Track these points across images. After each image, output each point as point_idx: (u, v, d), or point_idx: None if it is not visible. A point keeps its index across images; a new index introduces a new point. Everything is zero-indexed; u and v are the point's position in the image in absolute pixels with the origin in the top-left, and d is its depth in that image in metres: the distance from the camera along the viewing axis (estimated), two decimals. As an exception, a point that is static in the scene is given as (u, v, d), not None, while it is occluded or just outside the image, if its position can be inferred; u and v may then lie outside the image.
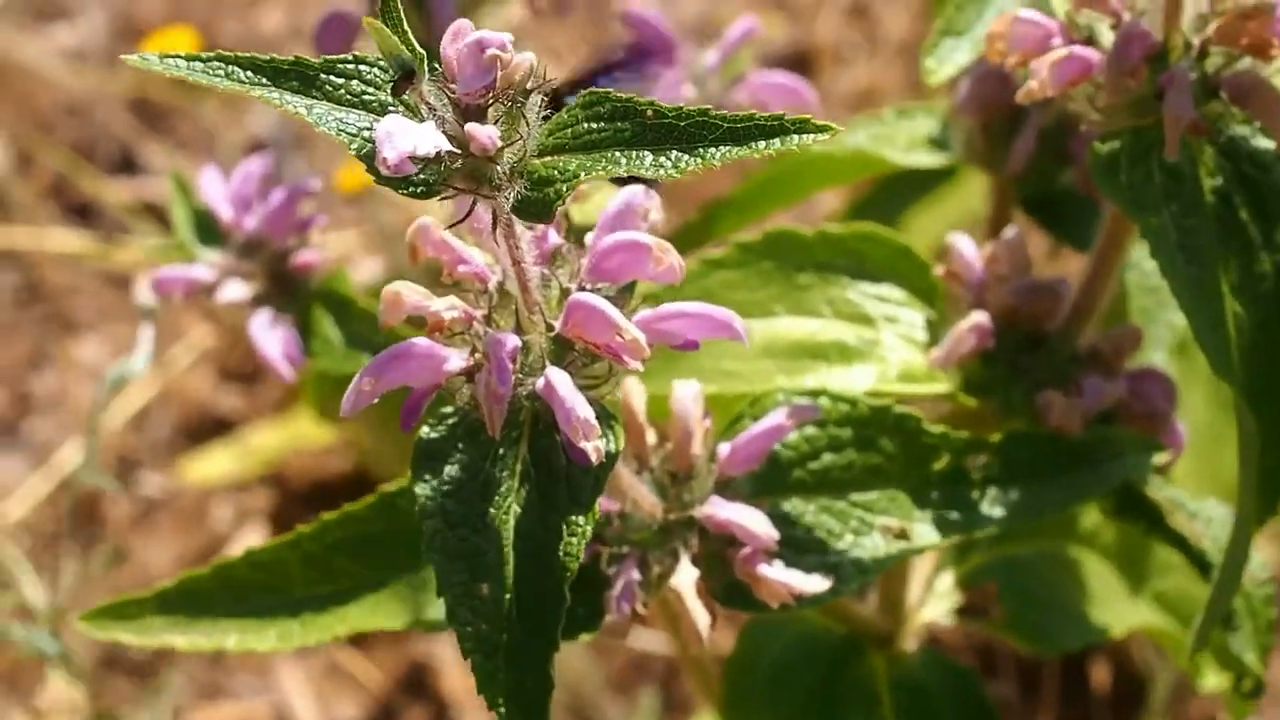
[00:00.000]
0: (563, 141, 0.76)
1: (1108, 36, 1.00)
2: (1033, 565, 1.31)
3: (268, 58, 0.74)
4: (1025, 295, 1.11)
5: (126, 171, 2.49)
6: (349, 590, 1.02)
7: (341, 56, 0.75)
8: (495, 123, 0.74)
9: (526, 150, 0.75)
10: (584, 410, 0.77)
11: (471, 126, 0.72)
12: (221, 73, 0.74)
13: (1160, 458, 1.05)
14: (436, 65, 0.74)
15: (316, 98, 0.75)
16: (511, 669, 0.81)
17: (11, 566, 1.55)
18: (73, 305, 2.33)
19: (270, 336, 1.15)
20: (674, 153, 0.74)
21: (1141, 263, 1.26)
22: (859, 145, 1.27)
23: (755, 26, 1.32)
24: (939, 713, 1.20)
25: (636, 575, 0.93)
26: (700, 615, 0.93)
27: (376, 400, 0.81)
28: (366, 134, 0.74)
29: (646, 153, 0.74)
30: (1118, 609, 1.30)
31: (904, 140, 1.29)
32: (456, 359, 0.81)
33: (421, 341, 0.81)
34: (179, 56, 0.74)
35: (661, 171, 0.73)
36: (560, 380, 0.78)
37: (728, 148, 0.73)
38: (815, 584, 0.95)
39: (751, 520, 0.94)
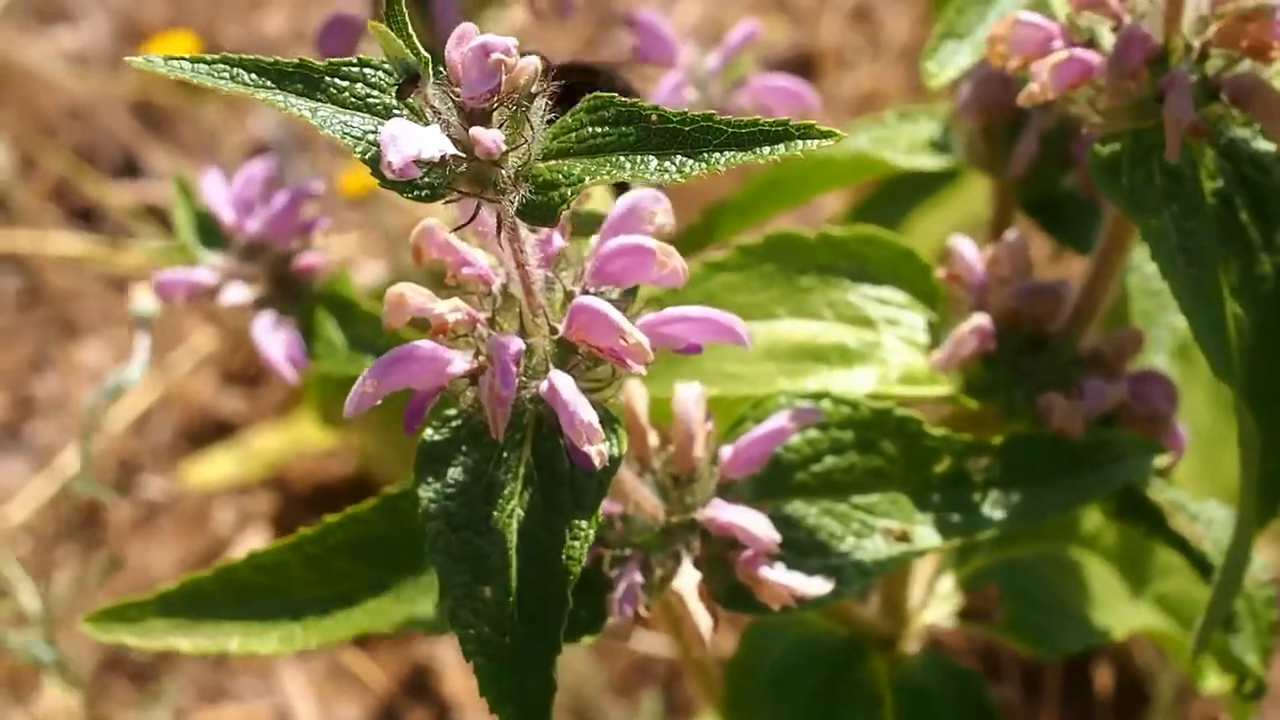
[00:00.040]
0: (567, 145, 0.76)
1: (1108, 39, 1.00)
2: (1034, 567, 1.31)
3: (272, 60, 0.75)
4: (1027, 297, 1.11)
5: (129, 175, 2.49)
6: (351, 592, 1.02)
7: (346, 60, 0.75)
8: (500, 126, 0.74)
9: (531, 154, 0.76)
10: (588, 414, 0.78)
11: (476, 130, 0.73)
12: (226, 75, 0.74)
13: (1162, 460, 1.05)
14: (441, 69, 0.74)
15: (321, 101, 0.75)
16: (514, 671, 0.81)
17: (8, 573, 1.55)
18: (75, 308, 2.33)
19: (273, 339, 1.15)
20: (679, 157, 0.74)
21: (1143, 265, 1.26)
22: (860, 148, 1.28)
23: (757, 30, 1.33)
24: (941, 715, 1.20)
25: (639, 578, 0.93)
26: (702, 618, 0.93)
27: (379, 403, 0.81)
28: (371, 137, 0.74)
29: (651, 157, 0.74)
30: (1119, 611, 1.30)
31: (905, 143, 1.29)
32: (460, 361, 0.81)
33: (425, 344, 0.81)
34: (184, 59, 0.74)
35: (666, 176, 0.74)
36: (564, 383, 0.79)
37: (732, 153, 0.73)
38: (817, 586, 0.95)
39: (753, 523, 0.94)
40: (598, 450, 0.78)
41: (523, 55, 0.74)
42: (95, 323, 2.32)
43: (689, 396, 0.97)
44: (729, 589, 0.97)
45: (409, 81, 0.73)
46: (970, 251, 1.14)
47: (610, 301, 0.81)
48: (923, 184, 1.61)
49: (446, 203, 0.75)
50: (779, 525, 0.95)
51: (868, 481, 1.01)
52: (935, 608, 1.26)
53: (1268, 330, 0.96)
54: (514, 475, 0.82)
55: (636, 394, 0.98)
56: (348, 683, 1.97)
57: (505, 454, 0.83)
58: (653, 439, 0.98)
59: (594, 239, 0.86)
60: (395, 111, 0.75)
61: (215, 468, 2.14)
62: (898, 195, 1.64)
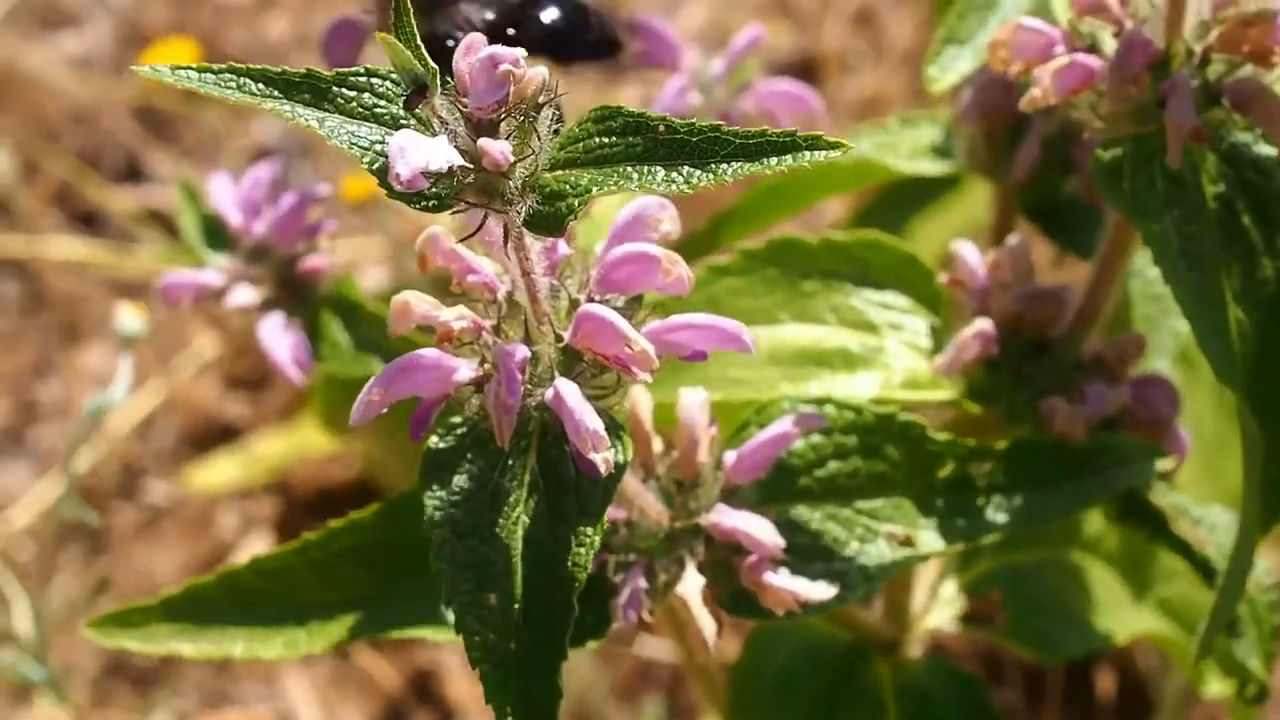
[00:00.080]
0: (574, 156, 0.76)
1: (1110, 44, 1.00)
2: (1037, 572, 1.31)
3: (279, 70, 0.75)
4: (1029, 302, 1.12)
5: (132, 179, 2.49)
6: (356, 598, 1.02)
7: (354, 69, 0.75)
8: (507, 137, 0.74)
9: (538, 165, 0.76)
10: (593, 421, 0.78)
11: (484, 141, 0.73)
12: (233, 85, 0.74)
13: (1164, 464, 1.05)
14: (449, 79, 0.75)
15: (329, 111, 0.75)
16: (519, 678, 0.82)
17: (4, 586, 1.55)
18: (78, 313, 2.34)
19: (279, 340, 1.16)
20: (686, 168, 0.74)
21: (1145, 270, 1.26)
22: (863, 154, 1.28)
23: (761, 35, 1.33)
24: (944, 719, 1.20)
25: (643, 583, 0.94)
26: (706, 623, 0.93)
27: (384, 410, 0.81)
28: (379, 148, 0.75)
29: (658, 168, 0.74)
30: (1122, 615, 1.30)
31: (907, 148, 1.29)
32: (465, 369, 0.82)
33: (430, 352, 0.81)
34: (190, 68, 0.74)
35: (673, 187, 0.74)
36: (569, 391, 0.79)
37: (740, 163, 0.74)
38: (821, 591, 0.95)
39: (757, 528, 0.94)
40: (603, 457, 0.78)
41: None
42: (98, 327, 2.32)
43: (693, 402, 0.97)
44: (733, 594, 0.97)
45: (417, 92, 0.73)
46: (973, 256, 1.14)
47: (615, 309, 0.81)
48: (925, 189, 1.61)
49: (454, 213, 0.76)
50: (783, 530, 0.95)
51: (871, 486, 1.01)
52: (938, 612, 1.27)
53: (1270, 334, 0.96)
54: (519, 482, 0.83)
55: (640, 400, 0.98)
56: (351, 687, 1.97)
57: (510, 461, 0.83)
58: (657, 445, 0.99)
59: (599, 246, 0.86)
60: (403, 122, 0.75)
61: (218, 472, 2.14)
62: (900, 200, 1.64)
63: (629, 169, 0.75)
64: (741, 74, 1.34)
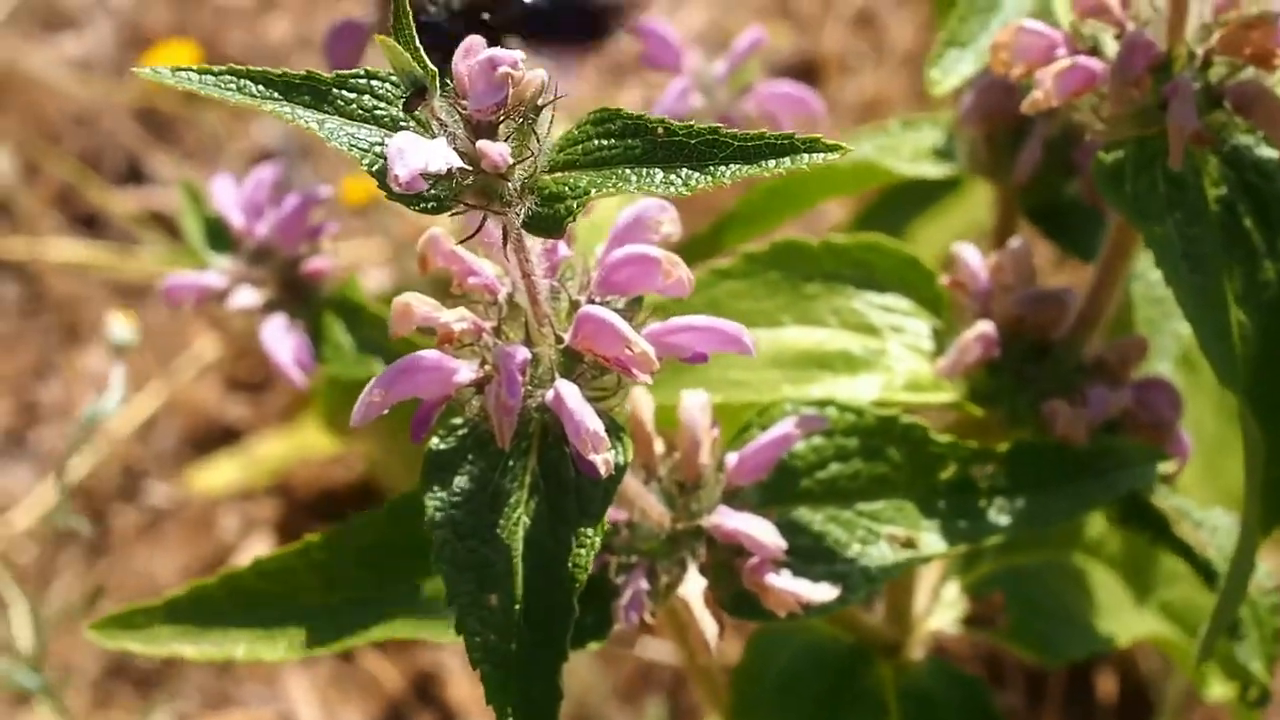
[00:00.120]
0: (573, 158, 0.76)
1: (1112, 47, 1.00)
2: (1039, 574, 1.31)
3: (280, 72, 0.75)
4: (1031, 305, 1.11)
5: (133, 181, 2.49)
6: (358, 599, 1.02)
7: (353, 71, 0.76)
8: (506, 139, 0.74)
9: (537, 166, 0.76)
10: (593, 423, 0.78)
11: (483, 143, 0.73)
12: (234, 87, 0.75)
13: (1166, 467, 1.06)
14: (448, 81, 0.75)
15: (328, 113, 0.75)
16: (520, 679, 0.82)
17: (3, 589, 1.55)
18: (79, 315, 2.34)
19: (282, 342, 1.16)
20: (684, 170, 0.74)
21: (1146, 273, 1.26)
22: (865, 156, 1.28)
23: (763, 37, 1.33)
24: (946, 721, 1.20)
25: (645, 585, 0.94)
26: (708, 624, 0.93)
27: (386, 411, 0.81)
28: (378, 149, 0.75)
29: (657, 170, 0.74)
30: (1124, 618, 1.30)
31: (909, 151, 1.29)
32: (466, 371, 0.82)
33: (431, 353, 0.81)
34: (191, 70, 0.74)
35: (672, 189, 0.74)
36: (569, 393, 0.79)
37: (738, 166, 0.74)
38: (823, 593, 0.95)
39: (759, 530, 0.94)
40: (603, 458, 0.79)
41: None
42: (98, 329, 2.32)
43: (695, 404, 0.97)
44: (735, 596, 0.97)
45: (416, 94, 0.73)
46: (974, 259, 1.14)
47: (616, 311, 0.81)
48: (925, 191, 1.61)
49: (453, 214, 0.76)
50: (785, 532, 0.95)
51: (873, 488, 1.01)
52: (940, 614, 1.27)
53: (1272, 336, 0.96)
54: (520, 484, 0.83)
55: (642, 402, 0.98)
56: (353, 689, 1.97)
57: (511, 463, 0.83)
58: (658, 446, 0.99)
59: (599, 248, 0.86)
60: (402, 124, 0.75)
61: (219, 474, 2.14)
62: (900, 202, 1.64)
63: (628, 171, 0.75)
64: (743, 76, 1.35)
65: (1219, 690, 1.26)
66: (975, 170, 1.28)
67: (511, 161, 0.73)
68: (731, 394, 1.09)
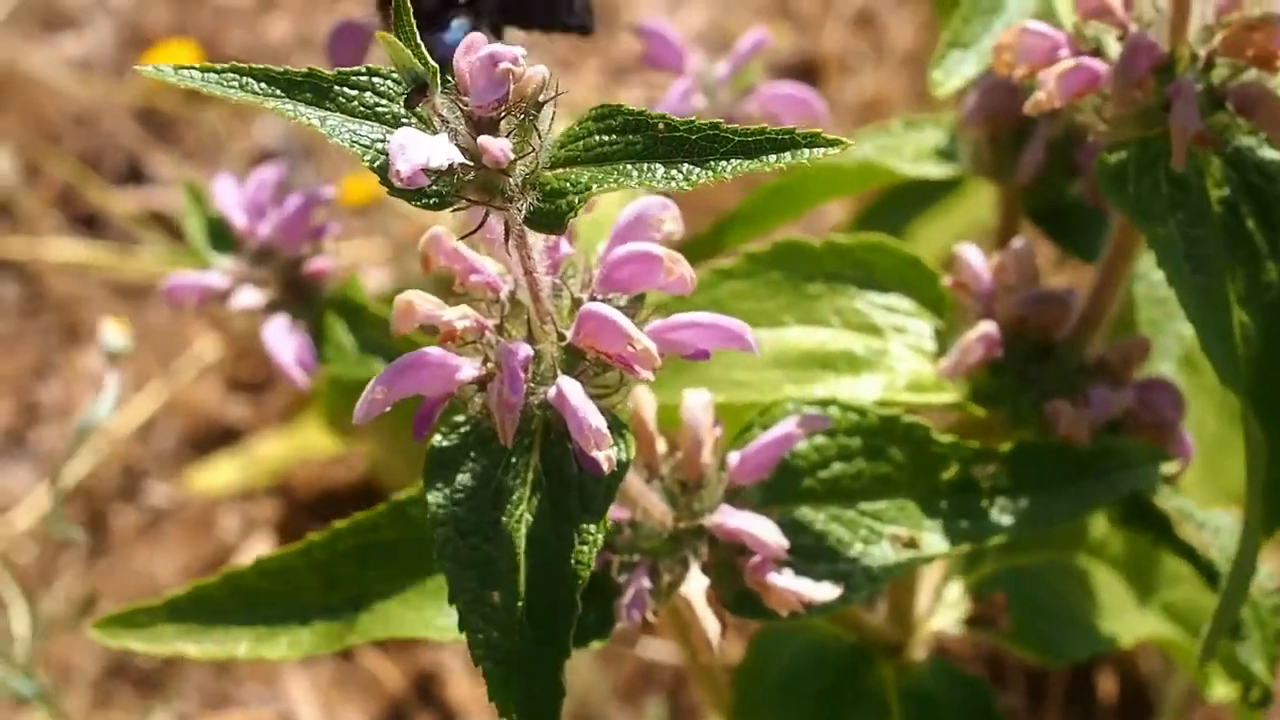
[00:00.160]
0: (574, 154, 0.76)
1: (1115, 48, 1.00)
2: (1041, 575, 1.31)
3: (281, 70, 0.75)
4: (1033, 305, 1.11)
5: (133, 181, 2.49)
6: (360, 598, 1.02)
7: (355, 69, 0.76)
8: (508, 135, 0.74)
9: (539, 162, 0.76)
10: (596, 419, 0.78)
11: (484, 139, 0.73)
12: (235, 84, 0.74)
13: (1168, 467, 1.06)
14: (449, 78, 0.75)
15: (330, 110, 0.75)
16: (522, 676, 0.82)
17: (3, 589, 1.54)
18: (79, 315, 2.34)
19: (284, 343, 1.16)
20: (685, 166, 0.74)
21: (1149, 274, 1.26)
22: (867, 156, 1.28)
23: (766, 38, 1.33)
24: (948, 722, 1.20)
25: (647, 583, 0.94)
26: (710, 623, 0.93)
27: (388, 409, 0.81)
28: (380, 146, 0.75)
29: (658, 165, 0.74)
30: (1126, 619, 1.30)
31: (911, 151, 1.29)
32: (469, 368, 0.82)
33: (434, 351, 0.81)
34: (193, 68, 0.74)
35: (673, 184, 0.74)
36: (572, 389, 0.79)
37: (739, 161, 0.74)
38: (825, 592, 0.95)
39: (761, 529, 0.94)
40: (606, 455, 0.78)
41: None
42: (99, 329, 2.32)
43: (697, 403, 0.97)
44: (737, 595, 0.97)
45: (417, 90, 0.73)
46: (977, 259, 1.14)
47: (618, 308, 0.81)
48: (926, 191, 1.61)
49: (455, 211, 0.76)
50: (787, 531, 0.95)
51: (875, 488, 1.01)
52: (942, 615, 1.27)
53: (1274, 337, 0.96)
54: (522, 481, 0.83)
55: (644, 400, 0.98)
56: (353, 689, 1.97)
57: (513, 459, 0.83)
58: (660, 445, 0.99)
59: (601, 245, 0.86)
60: (404, 120, 0.75)
61: (220, 474, 2.14)
62: (901, 202, 1.64)
63: (629, 167, 0.75)
64: (746, 77, 1.35)
65: (1221, 691, 1.26)
66: (978, 171, 1.28)
67: (513, 157, 0.73)
68: (734, 393, 1.09)
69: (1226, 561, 1.05)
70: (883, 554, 0.99)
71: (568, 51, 2.51)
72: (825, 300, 1.14)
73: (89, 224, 2.44)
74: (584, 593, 0.81)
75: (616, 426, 0.82)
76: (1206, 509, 1.12)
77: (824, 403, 1.02)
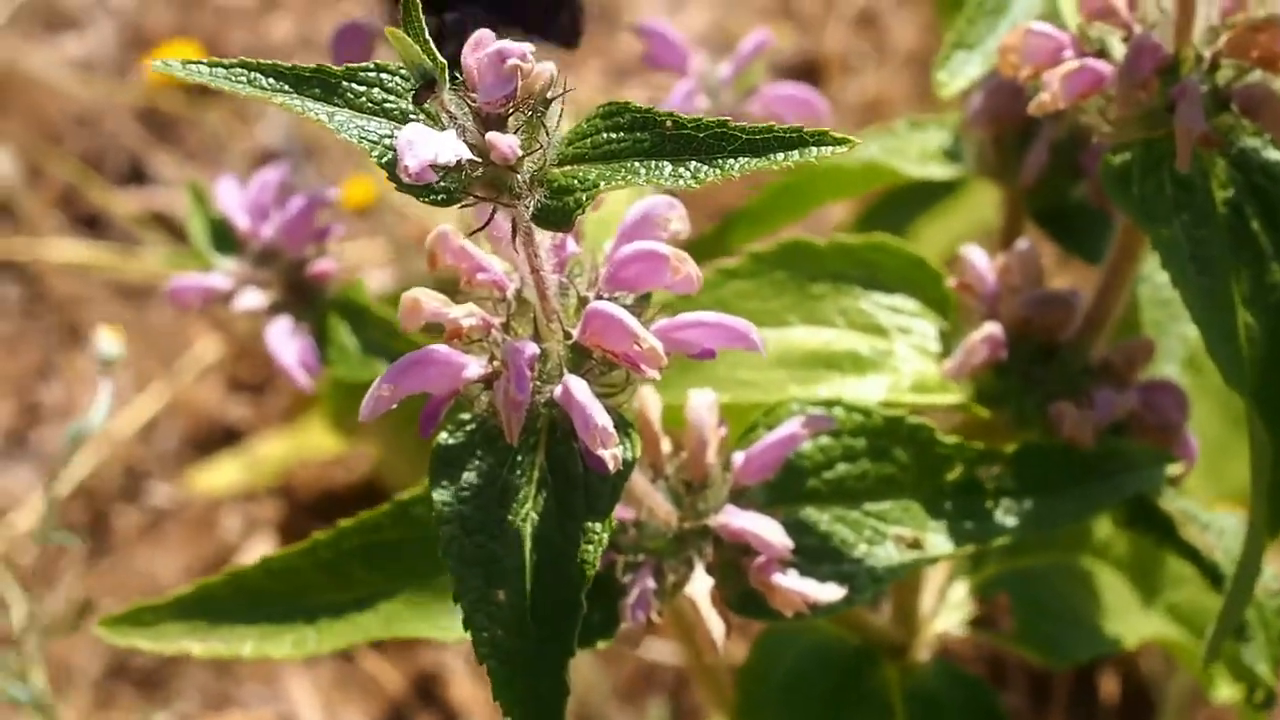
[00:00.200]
0: (582, 151, 0.76)
1: (1119, 49, 1.00)
2: (1045, 576, 1.31)
3: (290, 65, 0.75)
4: (1038, 307, 1.11)
5: (135, 182, 2.49)
6: (365, 598, 1.02)
7: (363, 64, 0.76)
8: (515, 132, 0.74)
9: (546, 159, 0.76)
10: (602, 418, 0.78)
11: (492, 135, 0.73)
12: (244, 79, 0.74)
13: (1173, 469, 1.06)
14: (457, 74, 0.75)
15: (338, 105, 0.75)
16: (527, 675, 0.82)
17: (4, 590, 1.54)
18: (81, 316, 2.34)
19: (287, 345, 1.16)
20: (693, 163, 0.74)
21: (1153, 275, 1.26)
22: (872, 157, 1.28)
23: (768, 39, 1.33)
24: (951, 723, 1.20)
25: (651, 583, 0.93)
26: (715, 624, 0.93)
27: (394, 406, 0.81)
28: (388, 142, 0.75)
29: (665, 163, 0.74)
30: (1130, 620, 1.30)
31: (916, 152, 1.29)
32: (475, 366, 0.82)
33: (441, 348, 0.81)
34: (201, 63, 0.74)
35: (680, 182, 0.74)
36: (579, 388, 0.79)
37: (746, 159, 0.74)
38: (829, 593, 0.95)
39: (766, 529, 0.94)
40: (611, 454, 0.78)
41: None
42: (101, 330, 2.32)
43: (702, 403, 0.97)
44: (741, 595, 0.97)
45: (425, 87, 0.73)
46: (982, 260, 1.14)
47: (624, 307, 0.81)
48: (928, 191, 1.61)
49: (462, 207, 0.76)
50: (791, 532, 0.95)
51: (880, 488, 1.01)
52: (947, 616, 1.27)
53: (1279, 339, 0.96)
54: (528, 479, 0.83)
55: (649, 400, 0.98)
56: (354, 689, 1.97)
57: (519, 458, 0.83)
58: (665, 445, 0.99)
59: (607, 244, 0.86)
60: (412, 116, 0.75)
61: (221, 475, 2.14)
62: (903, 202, 1.64)
63: (636, 164, 0.75)
64: (748, 78, 1.34)
65: (1225, 692, 1.26)
66: (983, 172, 1.28)
67: (521, 153, 0.73)
68: (738, 393, 1.09)
69: (1231, 563, 1.05)
70: (887, 555, 0.99)
71: (568, 52, 2.51)
72: (830, 300, 1.14)
73: (91, 224, 2.44)
74: (588, 593, 0.81)
75: (622, 425, 0.82)
76: (1208, 510, 1.12)
77: (829, 403, 1.02)
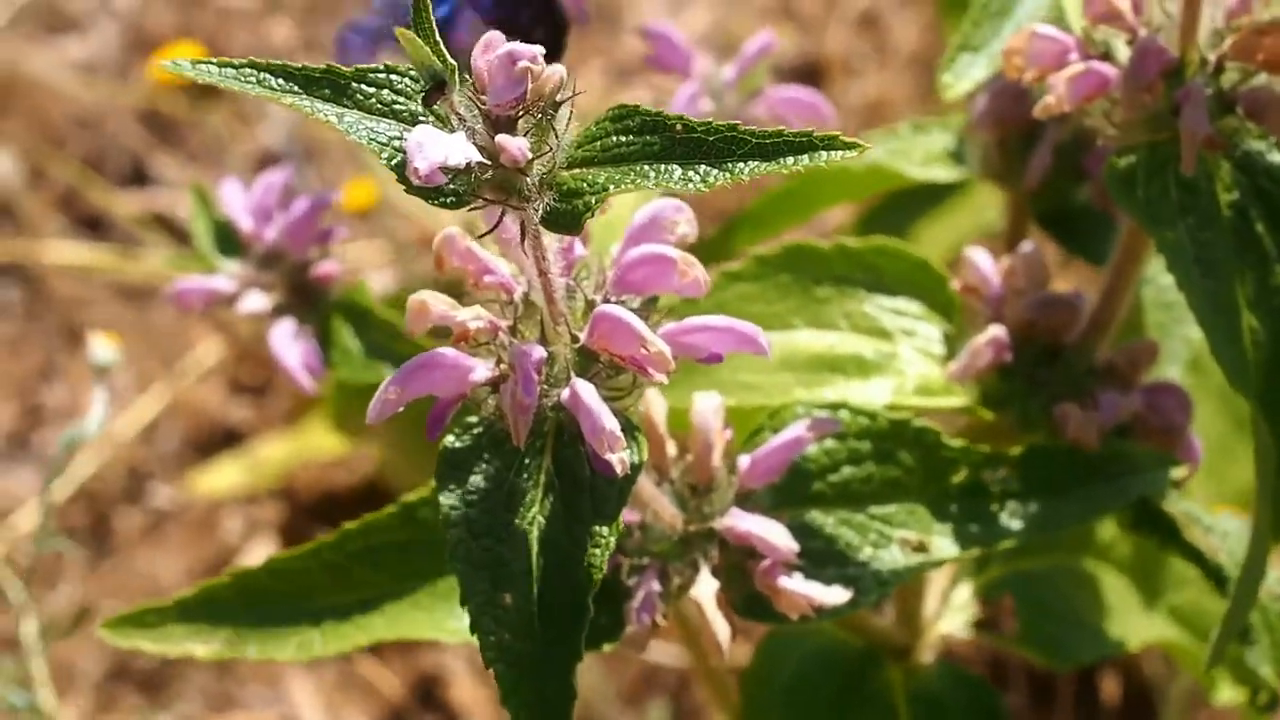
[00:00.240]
0: (591, 154, 0.76)
1: (1124, 52, 1.00)
2: (1049, 579, 1.31)
3: (299, 66, 0.75)
4: (1042, 309, 1.11)
5: (137, 183, 2.49)
6: (370, 600, 1.02)
7: (373, 66, 0.75)
8: (525, 134, 0.74)
9: (555, 162, 0.76)
10: (610, 422, 0.78)
11: (502, 138, 0.73)
12: (253, 79, 0.74)
13: (1177, 472, 1.06)
14: (467, 76, 0.75)
15: (347, 106, 0.75)
16: (534, 678, 0.82)
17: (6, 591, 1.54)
18: (83, 317, 2.34)
19: (290, 347, 1.16)
20: (702, 167, 0.74)
21: (1157, 278, 1.26)
22: (876, 160, 1.28)
23: (772, 41, 1.33)
24: (955, 725, 1.20)
25: (657, 586, 0.93)
26: (720, 627, 0.93)
27: (401, 408, 0.81)
28: (397, 143, 0.74)
29: (675, 166, 0.74)
30: (1133, 622, 1.30)
31: (920, 155, 1.29)
32: (482, 369, 0.81)
33: (448, 351, 0.81)
34: (211, 62, 0.74)
35: (690, 186, 0.74)
36: (586, 391, 0.79)
37: (756, 163, 0.74)
38: (835, 596, 0.95)
39: (771, 532, 0.94)
40: (619, 457, 0.78)
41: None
42: (103, 331, 2.32)
43: (707, 406, 0.97)
44: (747, 598, 0.97)
45: (436, 88, 0.73)
46: (986, 263, 1.14)
47: (632, 310, 0.81)
48: (930, 193, 1.61)
49: (471, 209, 0.75)
50: (797, 535, 0.95)
51: (885, 492, 1.01)
52: (950, 618, 1.27)
53: (1282, 341, 0.96)
54: (535, 482, 0.82)
55: (655, 403, 0.98)
56: (356, 691, 1.97)
57: (526, 461, 0.83)
58: (671, 448, 0.99)
59: (615, 248, 0.86)
60: (421, 118, 0.75)
61: (222, 476, 2.14)
62: (905, 204, 1.64)
63: (646, 167, 0.75)
64: (752, 80, 1.35)
65: (1227, 694, 1.26)
66: (987, 175, 1.28)
67: (530, 156, 0.73)
68: (744, 397, 1.09)
69: (1234, 566, 1.05)
70: (892, 558, 0.99)
71: (570, 52, 2.51)
72: (834, 303, 1.13)
73: (92, 226, 2.44)
74: (595, 595, 0.81)
75: (629, 429, 0.82)
76: (1210, 513, 1.12)
77: (834, 406, 1.02)
